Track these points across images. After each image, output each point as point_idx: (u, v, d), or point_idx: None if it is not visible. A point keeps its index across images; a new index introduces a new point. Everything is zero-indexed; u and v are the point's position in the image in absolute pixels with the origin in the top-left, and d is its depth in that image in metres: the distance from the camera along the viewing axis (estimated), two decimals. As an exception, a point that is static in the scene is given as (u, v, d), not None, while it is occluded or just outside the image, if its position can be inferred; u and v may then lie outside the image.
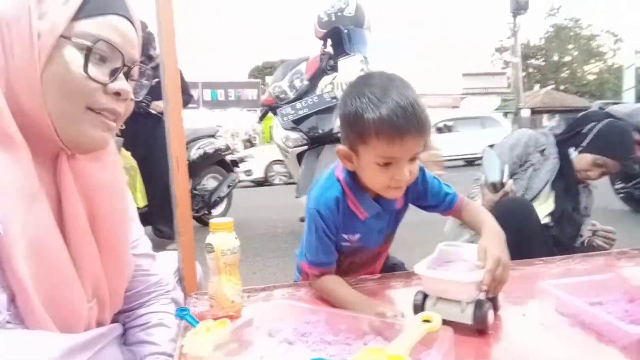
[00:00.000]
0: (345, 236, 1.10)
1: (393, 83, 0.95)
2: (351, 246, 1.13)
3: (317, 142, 2.83)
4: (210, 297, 1.00)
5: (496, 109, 20.72)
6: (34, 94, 0.70)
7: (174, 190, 1.07)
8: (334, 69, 2.97)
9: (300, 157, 2.88)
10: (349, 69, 2.77)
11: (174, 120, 1.07)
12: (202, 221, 4.35)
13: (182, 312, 0.98)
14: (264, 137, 16.02)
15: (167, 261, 1.13)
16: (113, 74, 0.76)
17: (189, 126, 4.20)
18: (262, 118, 4.04)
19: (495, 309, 0.92)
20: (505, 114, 20.14)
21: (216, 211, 4.65)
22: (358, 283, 1.15)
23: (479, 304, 0.87)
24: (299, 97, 2.95)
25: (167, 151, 1.08)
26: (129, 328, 0.96)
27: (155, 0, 1.02)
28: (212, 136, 4.57)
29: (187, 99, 3.89)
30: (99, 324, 0.85)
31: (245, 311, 1.01)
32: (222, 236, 0.98)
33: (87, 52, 0.72)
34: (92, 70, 0.73)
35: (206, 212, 4.48)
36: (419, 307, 0.92)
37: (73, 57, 0.71)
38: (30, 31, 0.68)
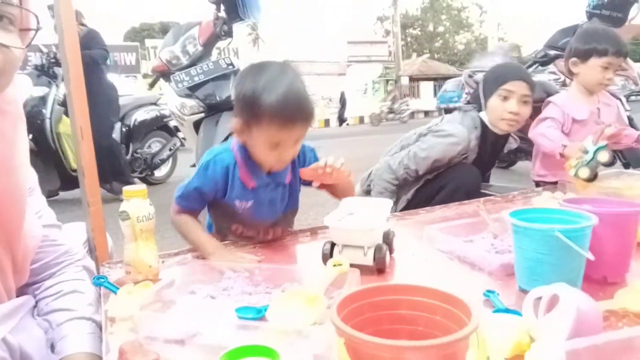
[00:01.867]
0: (237, 202, 1.20)
1: (287, 73, 1.10)
2: (243, 213, 1.22)
3: (215, 109, 2.79)
4: (127, 264, 1.02)
5: (379, 77, 21.73)
6: None
7: (79, 161, 1.05)
8: (228, 34, 2.92)
9: (197, 125, 2.83)
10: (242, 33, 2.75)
11: (76, 89, 1.03)
12: (147, 181, 4.74)
13: (99, 280, 0.98)
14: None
15: (75, 232, 1.10)
16: None
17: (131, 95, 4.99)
18: (152, 85, 3.83)
19: (391, 251, 1.07)
20: (387, 81, 21.30)
21: (160, 172, 5.17)
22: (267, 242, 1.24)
23: (378, 248, 1.01)
24: (192, 63, 2.86)
25: (72, 123, 1.04)
26: (41, 299, 0.93)
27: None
28: (154, 103, 4.97)
29: (103, 54, 4.09)
30: (8, 290, 0.83)
31: (163, 274, 1.04)
32: (136, 203, 0.99)
33: None
34: None
35: (149, 173, 4.93)
36: (327, 255, 1.03)
37: None
38: None
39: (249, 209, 1.21)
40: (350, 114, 16.09)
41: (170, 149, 5.08)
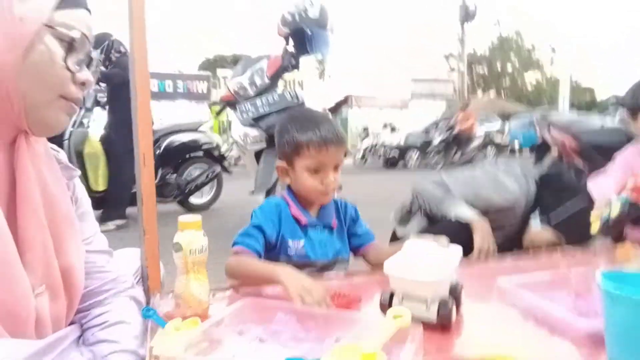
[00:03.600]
0: (290, 242, 1.24)
1: (318, 114, 1.35)
2: (297, 253, 1.24)
3: (276, 140, 2.81)
4: (177, 297, 0.98)
5: (443, 114, 21.42)
6: (8, 78, 0.70)
7: (139, 188, 1.04)
8: (296, 67, 2.97)
9: (258, 155, 2.87)
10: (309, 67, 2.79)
11: (142, 116, 1.04)
12: (186, 207, 4.98)
13: (148, 312, 0.96)
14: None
15: (127, 259, 1.10)
16: (79, 64, 0.79)
17: (170, 121, 5.05)
18: (219, 113, 3.98)
19: (458, 305, 0.97)
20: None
21: (200, 199, 5.20)
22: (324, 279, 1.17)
23: (443, 303, 0.91)
24: (258, 94, 2.93)
25: (135, 148, 1.05)
26: (88, 328, 0.92)
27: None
28: (194, 130, 4.96)
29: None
30: (57, 318, 0.82)
31: (212, 310, 1.00)
32: (190, 234, 0.96)
33: (70, 44, 0.74)
34: (68, 60, 0.75)
35: (181, 199, 4.95)
36: (385, 306, 0.95)
37: (54, 46, 0.73)
38: (11, 15, 0.68)
39: (302, 249, 1.23)
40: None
41: (207, 176, 4.99)
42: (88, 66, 0.83)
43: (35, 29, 0.70)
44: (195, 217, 0.99)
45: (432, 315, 0.91)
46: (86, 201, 0.97)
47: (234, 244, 1.20)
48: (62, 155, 0.93)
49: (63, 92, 0.77)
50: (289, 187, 1.31)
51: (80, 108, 4.32)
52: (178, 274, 0.98)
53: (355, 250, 1.37)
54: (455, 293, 0.96)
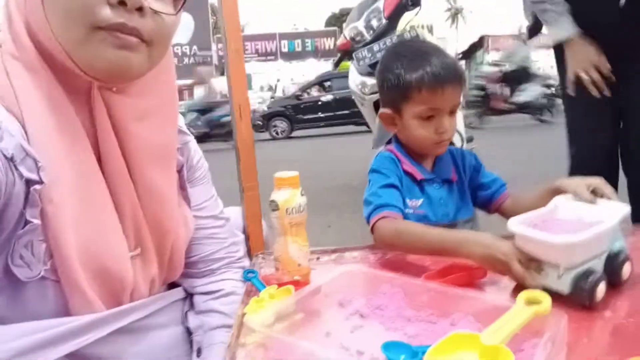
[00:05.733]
0: (408, 202, 1.05)
1: (428, 47, 1.07)
2: (416, 214, 1.05)
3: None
4: (276, 260, 0.91)
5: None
6: (37, 18, 0.62)
7: (236, 142, 0.98)
8: (416, 3, 2.67)
9: (377, 105, 2.68)
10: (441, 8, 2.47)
11: (235, 65, 0.96)
12: None
13: (249, 275, 0.91)
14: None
15: (232, 217, 1.05)
16: None
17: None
18: (337, 64, 3.81)
19: (617, 281, 0.74)
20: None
21: None
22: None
23: (585, 273, 0.70)
24: (377, 38, 2.70)
25: (230, 99, 0.98)
26: (199, 294, 0.90)
27: None
28: None
29: None
30: (152, 281, 0.80)
31: (314, 276, 0.92)
32: (286, 193, 0.87)
33: None
34: None
35: None
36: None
37: None
38: None
39: (421, 209, 1.05)
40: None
41: None
42: None
43: None
44: (292, 173, 0.89)
45: (564, 285, 0.71)
46: (202, 166, 0.93)
47: (376, 208, 0.98)
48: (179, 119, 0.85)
49: (93, 20, 0.61)
50: (397, 138, 1.11)
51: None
52: (276, 235, 0.91)
53: (487, 204, 1.12)
54: (612, 265, 0.74)
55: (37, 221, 0.62)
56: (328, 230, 2.85)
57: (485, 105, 9.95)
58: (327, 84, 12.25)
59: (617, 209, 0.78)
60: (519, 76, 9.81)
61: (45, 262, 0.64)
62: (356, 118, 9.73)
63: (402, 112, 1.04)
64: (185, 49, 14.28)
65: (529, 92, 9.63)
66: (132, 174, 0.73)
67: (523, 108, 9.77)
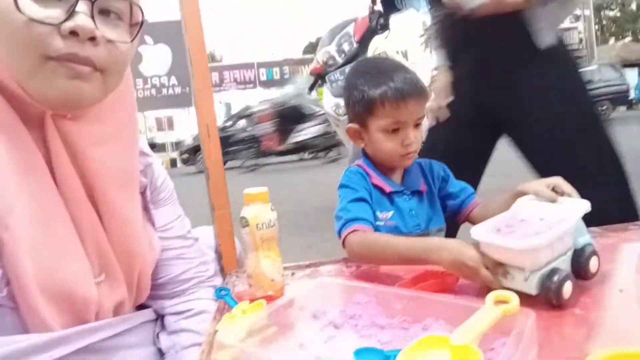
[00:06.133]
0: (378, 214, 1.06)
1: (391, 64, 1.11)
2: (387, 226, 1.06)
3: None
4: (249, 276, 0.91)
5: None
6: None
7: (205, 161, 0.98)
8: (385, 27, 2.74)
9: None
10: (404, 26, 2.54)
11: (202, 87, 0.97)
12: None
13: (221, 292, 0.90)
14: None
15: (204, 236, 1.04)
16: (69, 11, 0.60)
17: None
18: (311, 88, 3.85)
19: (585, 276, 0.76)
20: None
21: None
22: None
23: (550, 273, 0.71)
24: (348, 61, 2.76)
25: (197, 119, 0.98)
26: (170, 314, 0.89)
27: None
28: None
29: None
30: (119, 305, 0.78)
31: (287, 290, 0.91)
32: (256, 208, 0.87)
33: None
34: (32, 7, 0.59)
35: None
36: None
37: None
38: None
39: (392, 221, 1.05)
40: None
41: None
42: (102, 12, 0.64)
43: None
44: (262, 189, 0.89)
45: (531, 288, 0.72)
46: (167, 187, 0.92)
47: (346, 222, 0.98)
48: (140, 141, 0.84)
49: (46, 51, 0.59)
50: (365, 153, 1.12)
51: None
52: (248, 251, 0.90)
53: (456, 214, 1.13)
54: (579, 260, 0.75)
55: None
56: (309, 251, 2.83)
57: None
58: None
59: (578, 205, 0.80)
60: None
61: (1, 289, 0.63)
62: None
63: (368, 127, 1.06)
64: (164, 80, 14.31)
65: None
66: (94, 199, 0.72)
67: None
